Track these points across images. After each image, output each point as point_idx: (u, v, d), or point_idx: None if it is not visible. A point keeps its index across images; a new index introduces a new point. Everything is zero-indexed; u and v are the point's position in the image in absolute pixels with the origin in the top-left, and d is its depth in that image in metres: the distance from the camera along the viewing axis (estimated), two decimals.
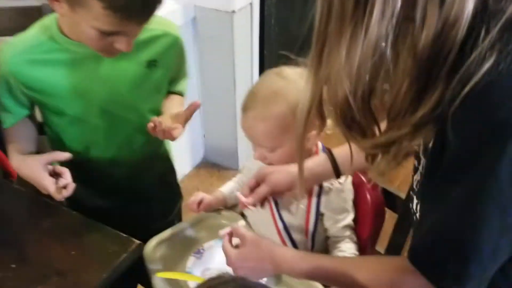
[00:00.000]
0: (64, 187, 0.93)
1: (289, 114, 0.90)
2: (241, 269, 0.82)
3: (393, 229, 1.07)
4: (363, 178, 1.02)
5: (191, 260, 1.00)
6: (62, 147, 1.05)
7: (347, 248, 0.99)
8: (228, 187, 1.14)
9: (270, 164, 0.98)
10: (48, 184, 0.92)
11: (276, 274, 0.86)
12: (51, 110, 1.03)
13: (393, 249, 1.08)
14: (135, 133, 1.08)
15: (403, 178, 2.14)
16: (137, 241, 0.92)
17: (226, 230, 0.89)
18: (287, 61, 1.10)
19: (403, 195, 1.04)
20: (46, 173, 0.94)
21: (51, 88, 0.97)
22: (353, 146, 0.63)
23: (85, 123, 1.03)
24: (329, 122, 0.95)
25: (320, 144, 1.02)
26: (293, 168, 0.83)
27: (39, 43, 0.96)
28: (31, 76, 0.96)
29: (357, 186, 1.02)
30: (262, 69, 2.03)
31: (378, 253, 1.11)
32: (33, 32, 0.98)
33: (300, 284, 0.91)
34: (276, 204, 1.02)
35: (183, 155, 2.19)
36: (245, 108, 0.95)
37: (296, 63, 1.06)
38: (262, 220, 1.05)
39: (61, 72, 0.96)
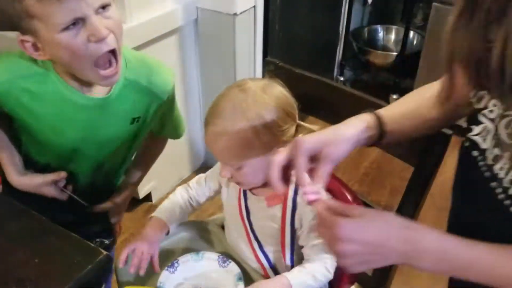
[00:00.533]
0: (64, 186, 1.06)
1: (249, 131, 0.84)
2: (353, 244, 0.58)
3: None
4: (347, 195, 0.96)
5: (164, 275, 0.95)
6: (30, 155, 1.08)
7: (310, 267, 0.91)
8: (170, 205, 1.06)
9: (237, 183, 0.92)
10: (52, 193, 1.05)
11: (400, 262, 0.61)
12: (25, 130, 1.03)
13: (381, 270, 1.02)
14: (104, 162, 1.11)
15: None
16: (105, 252, 0.87)
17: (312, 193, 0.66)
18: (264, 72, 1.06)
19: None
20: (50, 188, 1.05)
21: (33, 118, 0.98)
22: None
23: (54, 150, 1.04)
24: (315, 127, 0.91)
25: None
26: (346, 131, 0.72)
27: (34, 73, 0.95)
28: (19, 103, 0.96)
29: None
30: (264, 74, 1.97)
31: (365, 274, 1.04)
32: (28, 62, 0.96)
33: None
34: (247, 211, 0.96)
35: (182, 158, 2.16)
36: (206, 123, 0.88)
37: (290, 73, 1.03)
38: (237, 234, 1.00)
39: (47, 109, 0.97)
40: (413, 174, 0.92)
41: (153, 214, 1.04)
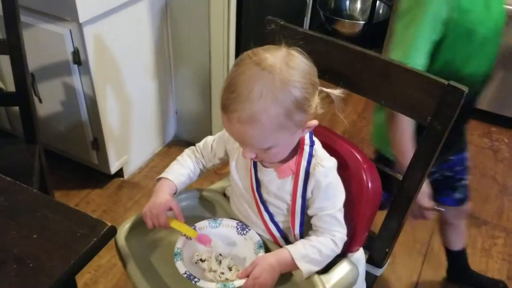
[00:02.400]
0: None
1: (282, 115, 0.77)
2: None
3: (388, 212, 1.00)
4: (358, 156, 0.94)
5: (181, 240, 0.91)
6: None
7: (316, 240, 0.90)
8: (177, 166, 1.00)
9: (259, 160, 0.87)
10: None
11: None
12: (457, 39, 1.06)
13: (387, 232, 1.01)
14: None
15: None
16: (109, 224, 0.81)
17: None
18: (265, 31, 1.01)
19: (400, 176, 0.97)
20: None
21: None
22: None
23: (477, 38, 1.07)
24: (318, 104, 0.87)
25: (307, 138, 0.90)
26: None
27: None
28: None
29: (352, 166, 0.94)
30: (238, 41, 1.91)
31: (371, 237, 1.04)
32: None
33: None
34: (257, 183, 0.93)
35: (153, 132, 2.08)
36: (227, 109, 0.79)
37: (293, 33, 0.97)
38: (247, 205, 0.96)
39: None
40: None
41: (161, 175, 0.98)
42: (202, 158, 1.02)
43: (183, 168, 0.99)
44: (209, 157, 1.02)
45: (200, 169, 1.03)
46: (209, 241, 0.92)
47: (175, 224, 0.90)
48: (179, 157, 1.02)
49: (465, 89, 0.84)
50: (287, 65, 0.78)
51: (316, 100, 0.83)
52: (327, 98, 0.88)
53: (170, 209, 0.91)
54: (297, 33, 0.98)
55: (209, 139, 1.02)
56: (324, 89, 0.86)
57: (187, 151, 1.03)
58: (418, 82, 0.88)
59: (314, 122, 0.84)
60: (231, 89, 0.78)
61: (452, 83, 0.84)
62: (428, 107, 0.88)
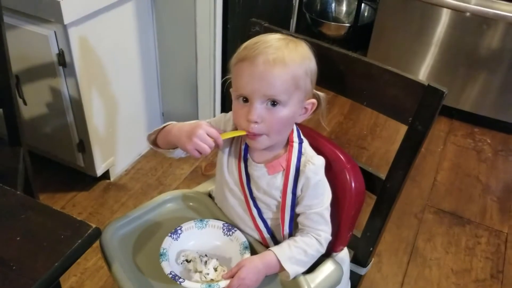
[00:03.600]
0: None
1: (302, 68, 0.84)
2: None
3: (371, 212, 1.01)
4: (342, 157, 0.95)
5: (167, 241, 0.91)
6: None
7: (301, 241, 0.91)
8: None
9: (259, 131, 0.85)
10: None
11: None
12: None
13: (371, 231, 1.02)
14: None
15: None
16: (93, 225, 0.81)
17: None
18: (249, 33, 1.01)
19: (383, 176, 0.99)
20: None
21: None
22: None
23: None
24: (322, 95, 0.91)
25: (296, 136, 0.92)
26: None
27: None
28: None
29: (336, 166, 0.95)
30: (225, 43, 1.92)
31: (355, 237, 1.05)
32: None
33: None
34: (247, 177, 0.93)
35: (139, 134, 2.07)
36: (250, 56, 0.81)
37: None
38: (235, 202, 0.96)
39: None
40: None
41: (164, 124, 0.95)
42: None
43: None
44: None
45: None
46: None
47: (224, 135, 0.87)
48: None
49: (445, 90, 0.85)
50: (300, 43, 0.88)
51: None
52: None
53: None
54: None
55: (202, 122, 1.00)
56: (314, 90, 0.90)
57: None
58: (398, 82, 0.90)
59: (313, 100, 0.90)
60: (253, 41, 0.85)
61: (432, 83, 0.86)
62: (409, 107, 0.89)
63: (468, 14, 2.15)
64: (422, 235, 1.84)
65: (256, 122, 0.84)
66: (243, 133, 0.86)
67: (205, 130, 0.85)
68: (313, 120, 0.93)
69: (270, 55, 0.81)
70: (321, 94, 0.92)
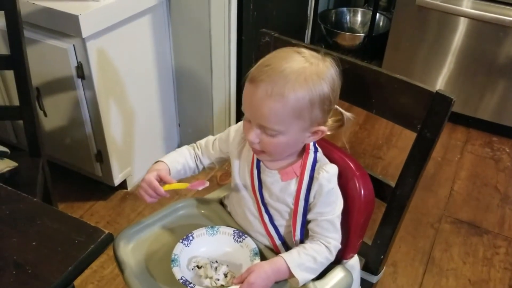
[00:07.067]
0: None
1: (306, 99, 0.81)
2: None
3: (382, 219, 1.01)
4: (351, 164, 0.96)
5: (178, 247, 0.93)
6: None
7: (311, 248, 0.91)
8: (175, 153, 1.02)
9: (261, 150, 0.88)
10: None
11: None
12: None
13: (382, 239, 1.02)
14: None
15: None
16: (106, 231, 0.83)
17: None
18: (260, 44, 1.03)
19: (392, 183, 0.99)
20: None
21: None
22: None
23: None
24: (330, 122, 0.91)
25: (312, 144, 0.93)
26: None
27: None
28: None
29: (346, 174, 0.95)
30: (240, 55, 1.95)
31: (366, 244, 1.05)
32: None
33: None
34: (260, 184, 0.94)
35: (156, 144, 2.10)
36: (256, 80, 0.82)
37: (286, 44, 1.00)
38: (246, 208, 0.97)
39: None
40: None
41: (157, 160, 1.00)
42: (200, 154, 1.04)
43: (179, 157, 1.01)
44: (208, 154, 1.04)
45: (196, 164, 1.04)
46: (203, 183, 0.93)
47: (167, 187, 0.91)
48: (177, 149, 1.04)
49: (453, 97, 0.85)
50: (323, 63, 0.84)
51: (330, 113, 0.88)
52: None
53: (160, 180, 0.92)
54: (290, 45, 1.00)
55: (210, 137, 1.05)
56: (339, 108, 0.91)
57: (186, 146, 1.05)
58: (406, 90, 0.91)
59: (324, 128, 0.88)
60: (266, 63, 0.83)
61: (440, 91, 0.86)
62: (418, 115, 0.90)
63: (484, 22, 2.14)
64: (438, 245, 1.82)
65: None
66: (186, 185, 0.92)
67: (147, 181, 0.91)
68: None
69: (272, 86, 0.80)
70: (347, 114, 0.92)
